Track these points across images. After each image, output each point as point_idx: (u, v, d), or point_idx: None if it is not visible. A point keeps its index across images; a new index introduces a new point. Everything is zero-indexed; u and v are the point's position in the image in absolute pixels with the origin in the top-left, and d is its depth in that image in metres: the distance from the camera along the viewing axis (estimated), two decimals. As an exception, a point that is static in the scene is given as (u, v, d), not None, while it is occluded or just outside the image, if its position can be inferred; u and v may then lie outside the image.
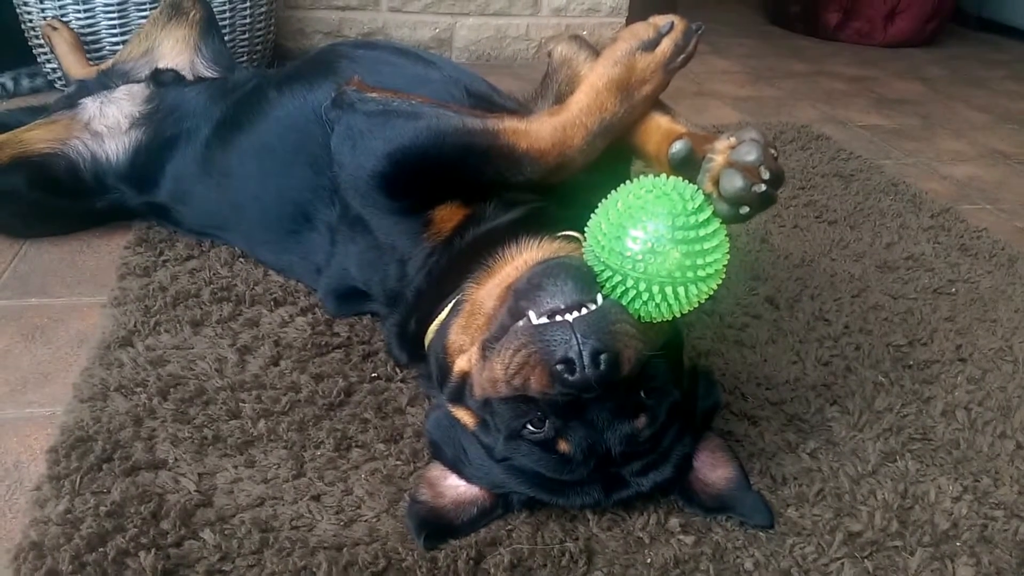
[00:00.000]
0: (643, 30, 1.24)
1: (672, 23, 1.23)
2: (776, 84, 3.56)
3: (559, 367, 0.95)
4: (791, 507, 1.21)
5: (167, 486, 1.16)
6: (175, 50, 2.01)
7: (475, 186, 1.30)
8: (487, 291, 1.17)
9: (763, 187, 1.01)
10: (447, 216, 1.31)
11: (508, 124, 1.27)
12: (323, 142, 1.48)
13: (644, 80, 1.24)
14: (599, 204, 1.07)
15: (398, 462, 1.25)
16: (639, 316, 1.03)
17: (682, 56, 1.25)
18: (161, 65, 1.96)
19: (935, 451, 1.35)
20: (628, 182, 1.07)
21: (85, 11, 2.40)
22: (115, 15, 2.42)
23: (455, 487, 1.16)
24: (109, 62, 2.14)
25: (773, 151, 1.04)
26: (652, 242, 0.99)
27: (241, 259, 1.74)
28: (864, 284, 1.85)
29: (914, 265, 1.96)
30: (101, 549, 1.05)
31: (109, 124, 1.82)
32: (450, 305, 1.24)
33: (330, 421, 1.31)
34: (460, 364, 1.14)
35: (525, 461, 1.08)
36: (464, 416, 1.14)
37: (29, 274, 1.71)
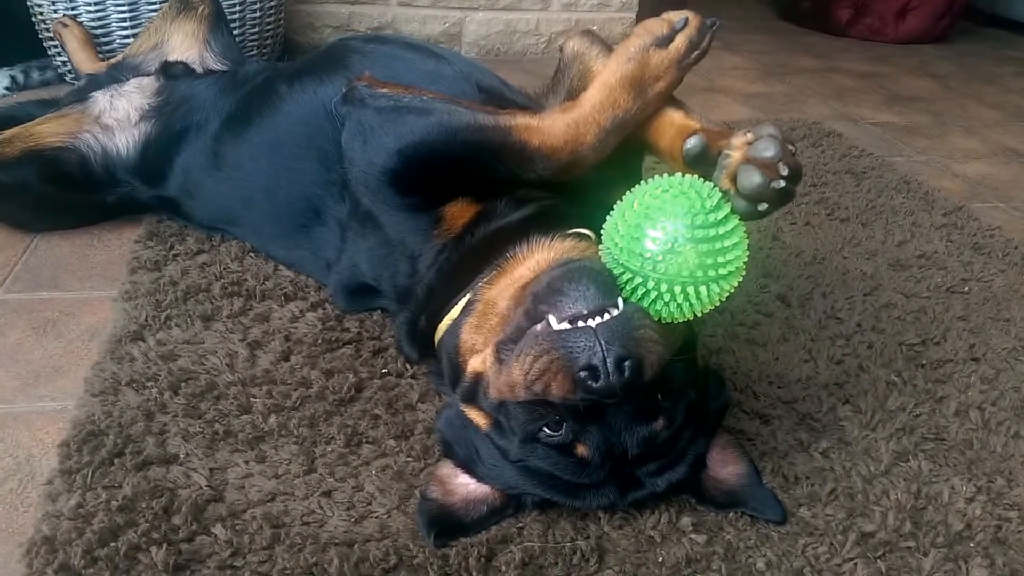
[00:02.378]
0: (657, 26, 1.23)
1: (686, 19, 1.22)
2: (787, 80, 3.54)
3: (582, 374, 0.94)
4: (803, 507, 1.21)
5: (178, 481, 1.16)
6: (184, 44, 2.01)
7: (486, 183, 1.29)
8: (499, 290, 1.16)
9: (782, 183, 1.00)
10: (458, 213, 1.30)
11: (520, 120, 1.26)
12: (333, 137, 1.47)
13: (658, 76, 1.23)
14: (613, 203, 1.06)
15: (409, 458, 1.24)
16: (659, 317, 1.02)
17: (696, 52, 1.24)
18: (171, 58, 1.96)
19: (948, 451, 1.34)
20: (642, 180, 1.06)
21: (96, 5, 2.40)
22: (126, 9, 2.42)
23: (465, 485, 1.16)
24: (119, 56, 2.15)
25: (791, 146, 1.03)
26: (671, 242, 0.98)
27: (251, 254, 1.74)
28: (876, 282, 1.84)
29: (927, 263, 1.94)
30: (113, 544, 1.05)
31: (119, 117, 1.81)
32: (461, 303, 1.23)
33: (340, 417, 1.31)
34: (473, 364, 1.13)
35: (540, 463, 1.07)
36: (477, 416, 1.13)
37: (40, 268, 1.71)
